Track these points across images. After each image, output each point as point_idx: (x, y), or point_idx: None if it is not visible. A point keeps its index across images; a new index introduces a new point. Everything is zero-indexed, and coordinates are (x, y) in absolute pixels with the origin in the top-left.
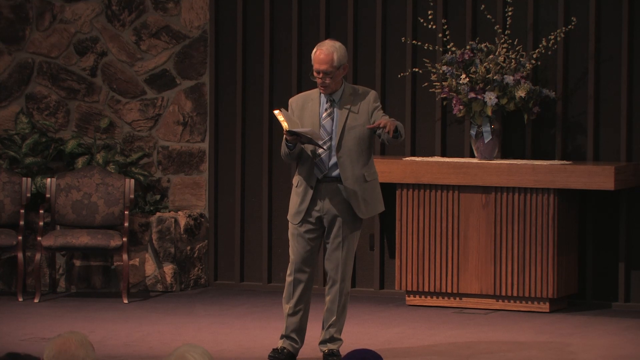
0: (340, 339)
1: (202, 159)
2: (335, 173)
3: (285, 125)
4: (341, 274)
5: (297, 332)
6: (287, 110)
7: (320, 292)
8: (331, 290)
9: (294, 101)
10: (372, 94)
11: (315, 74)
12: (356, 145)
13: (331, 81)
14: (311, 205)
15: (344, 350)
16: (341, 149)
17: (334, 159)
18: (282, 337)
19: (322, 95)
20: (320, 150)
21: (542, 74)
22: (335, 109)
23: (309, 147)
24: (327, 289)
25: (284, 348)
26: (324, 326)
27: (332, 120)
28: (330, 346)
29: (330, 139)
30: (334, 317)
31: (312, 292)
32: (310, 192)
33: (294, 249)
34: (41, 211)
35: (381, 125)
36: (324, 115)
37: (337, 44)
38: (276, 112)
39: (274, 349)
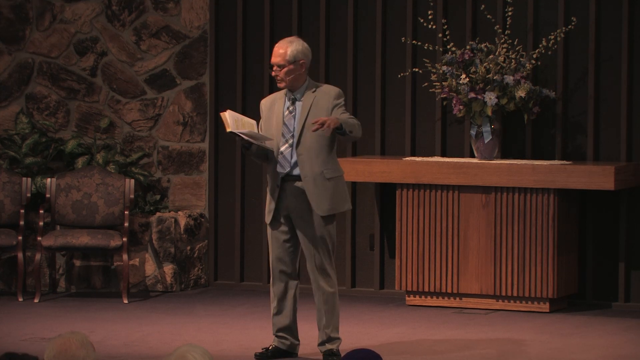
0: (337, 338)
1: (202, 159)
2: (297, 171)
3: (227, 127)
4: (320, 274)
5: (286, 330)
6: (243, 112)
7: (310, 292)
8: (317, 292)
9: (263, 103)
10: (335, 91)
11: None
12: (316, 142)
13: (285, 75)
14: (279, 204)
15: (344, 349)
16: (300, 146)
17: (295, 157)
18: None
19: (287, 94)
20: (283, 148)
21: (542, 74)
22: (296, 107)
23: (273, 145)
24: (313, 290)
25: (272, 346)
26: (319, 327)
27: (294, 117)
28: (329, 346)
29: (292, 136)
30: (325, 318)
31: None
32: (277, 190)
33: (272, 250)
34: (41, 211)
35: (319, 122)
36: (286, 113)
37: (296, 40)
38: (222, 113)
39: (262, 348)
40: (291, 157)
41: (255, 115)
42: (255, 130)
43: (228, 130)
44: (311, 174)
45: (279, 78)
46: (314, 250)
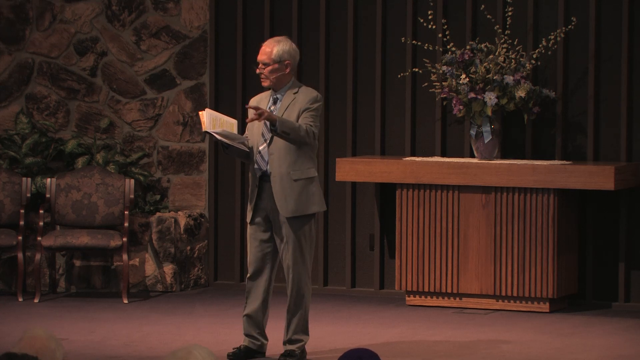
0: (300, 340)
1: (202, 159)
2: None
3: (203, 126)
4: (291, 277)
5: (256, 330)
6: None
7: (317, 292)
8: (288, 292)
9: (251, 102)
10: (312, 95)
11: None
12: (284, 142)
13: (269, 74)
14: (258, 205)
15: (342, 349)
16: (272, 145)
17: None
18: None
19: (271, 94)
20: (261, 147)
21: (542, 74)
22: (277, 107)
23: (254, 145)
24: (287, 289)
25: (242, 345)
26: (285, 325)
27: None
28: (289, 346)
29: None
30: (287, 319)
31: (311, 292)
32: (256, 191)
33: (249, 251)
34: (41, 211)
35: (255, 112)
36: None
37: (284, 40)
38: (200, 112)
39: (234, 348)
40: (267, 157)
41: None
42: (235, 131)
43: (203, 129)
44: (278, 174)
45: (263, 76)
46: (288, 252)
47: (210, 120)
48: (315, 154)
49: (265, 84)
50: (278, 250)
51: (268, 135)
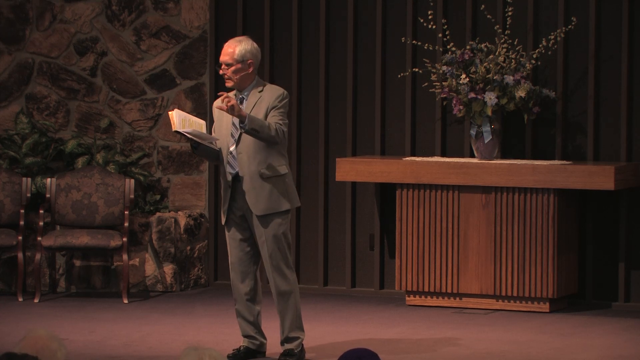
0: (297, 337)
1: (202, 159)
2: None
3: (173, 125)
4: (271, 276)
5: (253, 330)
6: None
7: (310, 292)
8: (272, 291)
9: (215, 104)
10: (278, 93)
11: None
12: (253, 141)
13: (232, 74)
14: (232, 205)
15: (342, 349)
16: (240, 145)
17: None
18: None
19: (236, 94)
20: (232, 148)
21: (542, 74)
22: (243, 107)
23: (223, 146)
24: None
25: (242, 347)
26: (280, 326)
27: None
28: (287, 346)
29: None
30: (281, 317)
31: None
32: (229, 191)
33: (229, 252)
34: (41, 211)
35: (226, 100)
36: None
37: (246, 40)
38: (169, 112)
39: (233, 349)
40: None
41: None
42: (204, 131)
43: (174, 129)
44: (248, 173)
45: (226, 77)
46: (267, 249)
47: (180, 120)
48: (286, 150)
49: (229, 84)
50: (257, 249)
51: (237, 135)
